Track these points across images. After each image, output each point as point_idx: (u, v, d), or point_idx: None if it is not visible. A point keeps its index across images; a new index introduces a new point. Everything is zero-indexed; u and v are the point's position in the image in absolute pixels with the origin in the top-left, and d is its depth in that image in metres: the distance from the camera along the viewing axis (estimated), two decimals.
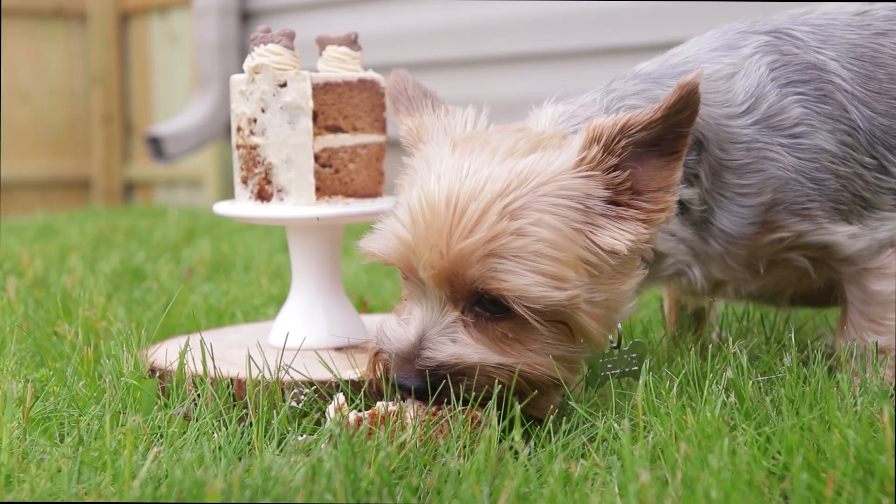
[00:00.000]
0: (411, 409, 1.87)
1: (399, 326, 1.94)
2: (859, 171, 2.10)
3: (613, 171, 1.89)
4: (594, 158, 1.88)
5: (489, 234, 1.83)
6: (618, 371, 2.12)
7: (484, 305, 1.89)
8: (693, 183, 2.05)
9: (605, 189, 1.90)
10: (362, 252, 1.98)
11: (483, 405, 1.86)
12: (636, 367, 2.08)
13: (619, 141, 1.88)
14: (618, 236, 1.89)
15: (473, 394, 1.86)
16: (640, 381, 1.91)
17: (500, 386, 1.87)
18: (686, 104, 1.84)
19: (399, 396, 1.91)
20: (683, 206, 2.05)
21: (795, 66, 2.12)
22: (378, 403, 1.88)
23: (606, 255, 1.89)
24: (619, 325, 2.11)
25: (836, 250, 2.12)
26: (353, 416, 1.86)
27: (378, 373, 1.97)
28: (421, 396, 1.88)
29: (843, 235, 2.10)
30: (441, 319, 1.90)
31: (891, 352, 2.14)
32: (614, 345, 2.11)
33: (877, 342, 2.12)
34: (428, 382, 1.86)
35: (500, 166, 1.89)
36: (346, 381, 2.06)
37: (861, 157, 2.10)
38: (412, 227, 1.90)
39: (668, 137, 1.88)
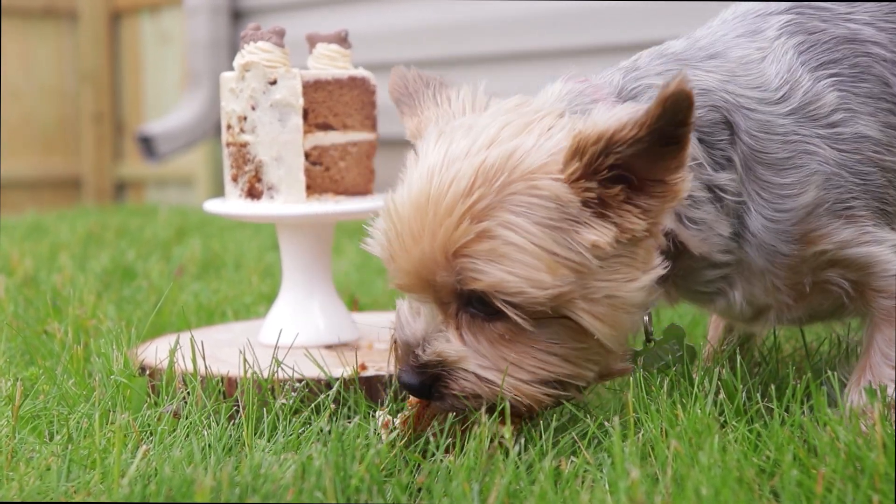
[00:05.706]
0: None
1: (411, 317, 1.85)
2: None
3: (599, 184, 1.73)
4: (574, 173, 1.72)
5: (452, 237, 1.73)
6: (662, 363, 2.02)
7: (475, 306, 1.78)
8: (726, 167, 1.87)
9: (588, 196, 1.74)
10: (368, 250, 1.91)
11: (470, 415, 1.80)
12: (680, 352, 1.98)
13: (606, 157, 1.70)
14: (598, 232, 1.73)
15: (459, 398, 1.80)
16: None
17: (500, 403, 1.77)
18: (674, 111, 1.65)
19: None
20: (716, 193, 1.87)
21: (825, 44, 1.93)
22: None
23: (589, 251, 1.73)
24: (647, 319, 2.01)
25: (878, 270, 1.89)
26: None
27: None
28: (420, 394, 1.84)
29: (889, 246, 1.89)
30: (438, 318, 1.81)
31: None
32: (648, 340, 2.03)
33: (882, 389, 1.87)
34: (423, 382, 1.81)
35: (472, 160, 1.76)
36: (339, 380, 2.06)
37: None
38: (387, 232, 1.82)
39: (666, 134, 1.69)
